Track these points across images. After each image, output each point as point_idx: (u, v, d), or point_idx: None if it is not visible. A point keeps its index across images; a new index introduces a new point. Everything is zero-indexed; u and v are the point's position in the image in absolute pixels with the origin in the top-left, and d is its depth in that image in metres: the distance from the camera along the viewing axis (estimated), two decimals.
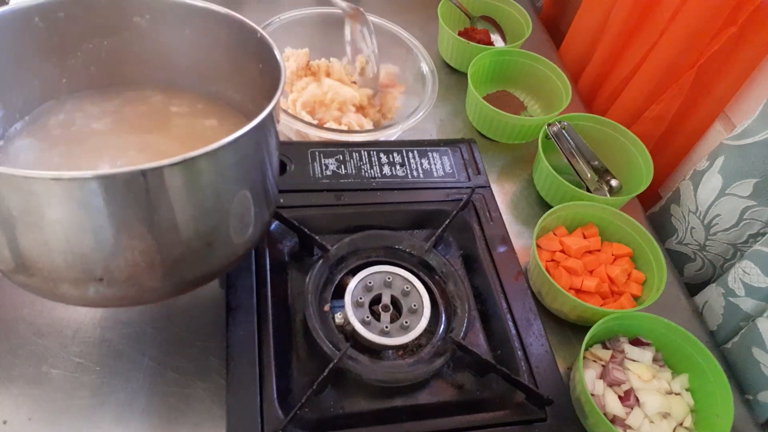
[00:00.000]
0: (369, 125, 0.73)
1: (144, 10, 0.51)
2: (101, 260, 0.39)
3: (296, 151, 0.65)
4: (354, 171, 0.64)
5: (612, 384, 0.55)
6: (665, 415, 0.53)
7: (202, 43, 0.53)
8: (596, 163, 0.73)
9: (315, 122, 0.71)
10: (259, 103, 0.44)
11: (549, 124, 0.74)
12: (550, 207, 0.65)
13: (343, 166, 0.64)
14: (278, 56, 0.46)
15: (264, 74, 0.49)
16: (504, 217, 0.65)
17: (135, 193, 0.37)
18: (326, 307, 0.54)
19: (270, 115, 0.42)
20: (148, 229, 0.39)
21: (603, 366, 0.56)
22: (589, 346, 0.57)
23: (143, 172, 0.36)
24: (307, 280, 0.55)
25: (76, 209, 0.36)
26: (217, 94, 0.56)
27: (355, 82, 0.77)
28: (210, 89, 0.55)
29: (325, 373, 0.48)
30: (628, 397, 0.53)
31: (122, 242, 0.39)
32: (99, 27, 0.51)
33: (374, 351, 0.53)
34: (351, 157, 0.65)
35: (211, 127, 0.54)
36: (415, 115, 0.70)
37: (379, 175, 0.65)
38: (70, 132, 0.51)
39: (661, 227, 0.76)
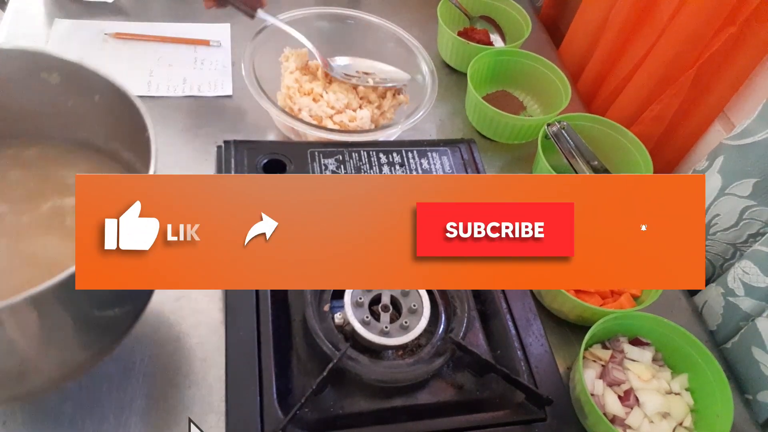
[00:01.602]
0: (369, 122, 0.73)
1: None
2: None
3: (296, 151, 0.65)
4: (354, 171, 0.64)
5: (612, 384, 0.55)
6: (665, 415, 0.53)
7: (104, 117, 0.47)
8: (596, 163, 0.73)
9: (315, 122, 0.70)
10: None
11: (548, 124, 0.74)
12: None
13: (342, 166, 0.64)
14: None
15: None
16: None
17: None
18: (326, 307, 0.54)
19: None
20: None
21: (603, 366, 0.56)
22: (588, 346, 0.57)
23: None
24: None
25: None
26: (114, 155, 0.50)
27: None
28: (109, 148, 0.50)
29: (324, 373, 0.48)
30: (628, 397, 0.53)
31: None
32: None
33: (374, 351, 0.52)
34: (350, 157, 0.65)
35: None
36: (414, 115, 0.70)
37: None
38: None
39: None
